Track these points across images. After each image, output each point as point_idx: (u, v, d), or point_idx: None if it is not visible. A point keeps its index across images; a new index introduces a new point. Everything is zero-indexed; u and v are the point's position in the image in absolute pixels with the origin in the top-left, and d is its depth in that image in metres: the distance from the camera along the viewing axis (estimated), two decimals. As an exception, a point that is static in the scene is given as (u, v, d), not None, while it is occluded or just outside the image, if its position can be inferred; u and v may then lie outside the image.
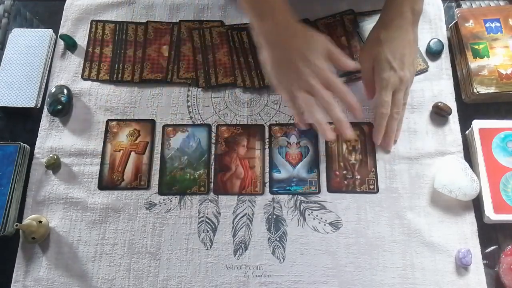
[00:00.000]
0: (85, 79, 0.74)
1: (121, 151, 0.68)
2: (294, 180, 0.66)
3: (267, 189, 0.66)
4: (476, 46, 0.70)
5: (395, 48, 0.63)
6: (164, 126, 0.70)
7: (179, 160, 0.68)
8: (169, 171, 0.67)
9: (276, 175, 0.67)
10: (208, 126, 0.70)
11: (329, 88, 0.60)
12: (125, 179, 0.67)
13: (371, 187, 0.66)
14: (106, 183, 0.67)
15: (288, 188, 0.66)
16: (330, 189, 0.66)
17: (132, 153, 0.68)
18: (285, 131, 0.70)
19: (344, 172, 0.67)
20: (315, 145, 0.69)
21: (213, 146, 0.69)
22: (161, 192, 0.66)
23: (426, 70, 0.72)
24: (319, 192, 0.66)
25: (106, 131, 0.70)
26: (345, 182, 0.66)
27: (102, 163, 0.68)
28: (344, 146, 0.68)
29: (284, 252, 0.63)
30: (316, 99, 0.60)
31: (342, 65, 0.62)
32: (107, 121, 0.71)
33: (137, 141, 0.69)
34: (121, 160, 0.67)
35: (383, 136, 0.67)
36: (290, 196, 0.66)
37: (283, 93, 0.63)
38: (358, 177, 0.67)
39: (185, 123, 0.70)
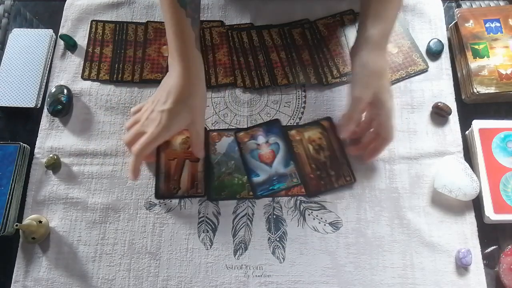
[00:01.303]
0: (85, 79, 0.74)
1: (175, 160, 0.67)
2: (274, 178, 0.66)
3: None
4: (476, 46, 0.71)
5: (388, 76, 0.63)
6: (209, 131, 0.69)
7: (226, 165, 0.67)
8: (217, 176, 0.67)
9: (256, 179, 0.67)
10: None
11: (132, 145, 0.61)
12: (181, 187, 0.66)
13: (348, 178, 0.66)
14: (163, 192, 0.66)
15: (271, 188, 0.66)
16: (311, 194, 0.66)
17: (187, 161, 0.67)
18: (251, 135, 0.69)
19: (318, 172, 0.67)
20: (283, 139, 0.69)
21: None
22: (210, 198, 0.66)
23: (426, 70, 0.72)
24: (302, 182, 0.66)
25: None
26: (322, 182, 0.66)
27: (157, 173, 0.67)
28: (311, 147, 0.68)
29: (284, 252, 0.63)
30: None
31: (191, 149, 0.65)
32: None
33: (190, 149, 0.67)
34: (176, 168, 0.67)
35: (365, 151, 0.66)
36: (290, 196, 0.66)
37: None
38: (333, 173, 0.66)
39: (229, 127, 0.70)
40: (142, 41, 0.76)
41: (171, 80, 0.61)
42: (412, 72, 0.72)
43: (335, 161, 0.67)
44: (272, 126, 0.69)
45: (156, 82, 0.73)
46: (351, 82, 0.62)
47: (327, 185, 0.66)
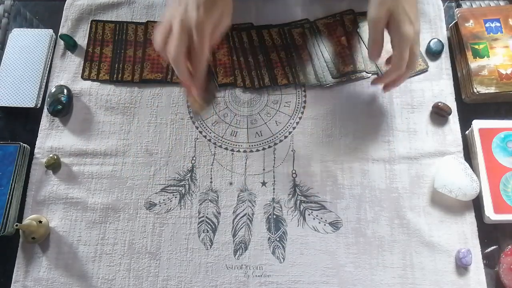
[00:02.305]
0: (85, 79, 0.74)
1: None
2: None
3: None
4: (476, 46, 0.70)
5: (409, 0, 0.59)
6: None
7: None
8: None
9: None
10: None
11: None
12: None
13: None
14: None
15: None
16: None
17: None
18: None
19: None
20: None
21: None
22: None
23: (426, 70, 0.72)
24: None
25: None
26: None
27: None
28: None
29: (284, 252, 0.63)
30: None
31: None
32: None
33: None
34: None
35: (391, 81, 0.65)
36: (290, 196, 0.66)
37: None
38: None
39: None
40: (142, 41, 0.76)
41: None
42: (412, 72, 0.72)
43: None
44: None
45: (156, 82, 0.73)
46: (368, 6, 0.61)
47: None
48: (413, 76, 0.72)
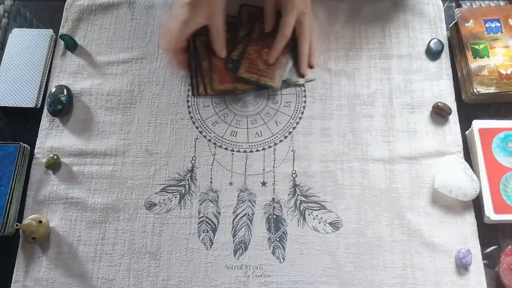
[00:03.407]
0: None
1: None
2: None
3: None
4: (476, 46, 0.70)
5: None
6: None
7: None
8: None
9: None
10: None
11: None
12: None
13: None
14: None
15: None
16: None
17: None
18: None
19: None
20: None
21: None
22: None
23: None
24: None
25: None
26: None
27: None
28: None
29: (284, 252, 0.63)
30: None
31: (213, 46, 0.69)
32: None
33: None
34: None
35: (299, 60, 0.71)
36: (290, 196, 0.66)
37: None
38: None
39: None
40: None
41: None
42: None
43: None
44: None
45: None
46: None
47: None
48: (301, 84, 0.72)
